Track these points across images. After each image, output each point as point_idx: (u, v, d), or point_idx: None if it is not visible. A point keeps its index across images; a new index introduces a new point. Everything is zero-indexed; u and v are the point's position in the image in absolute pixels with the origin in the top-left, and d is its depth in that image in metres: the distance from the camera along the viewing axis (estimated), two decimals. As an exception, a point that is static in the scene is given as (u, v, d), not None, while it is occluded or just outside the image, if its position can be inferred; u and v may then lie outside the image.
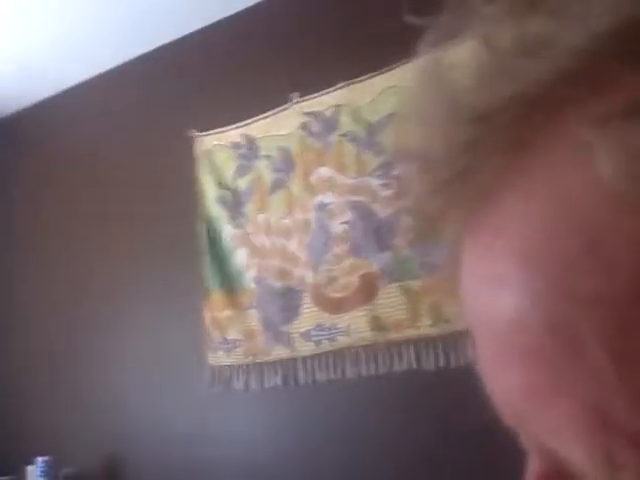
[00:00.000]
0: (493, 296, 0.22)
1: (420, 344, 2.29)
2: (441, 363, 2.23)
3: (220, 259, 2.81)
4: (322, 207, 2.59)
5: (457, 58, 0.22)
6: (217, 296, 2.79)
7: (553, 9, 0.20)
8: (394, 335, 2.36)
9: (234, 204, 2.81)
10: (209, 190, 2.87)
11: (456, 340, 2.21)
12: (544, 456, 0.23)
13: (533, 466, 0.24)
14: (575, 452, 0.20)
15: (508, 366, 0.21)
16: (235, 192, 2.81)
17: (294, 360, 2.57)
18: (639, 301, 0.18)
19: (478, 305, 0.23)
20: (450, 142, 0.21)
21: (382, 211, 2.45)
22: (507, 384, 0.22)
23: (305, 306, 2.58)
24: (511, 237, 0.21)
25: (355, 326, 2.44)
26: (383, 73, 2.48)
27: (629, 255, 0.18)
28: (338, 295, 2.51)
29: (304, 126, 2.66)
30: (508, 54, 0.20)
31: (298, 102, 2.67)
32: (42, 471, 2.96)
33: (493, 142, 0.21)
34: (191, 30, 2.94)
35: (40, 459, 2.97)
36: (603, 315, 0.18)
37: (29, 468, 3.01)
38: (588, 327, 0.18)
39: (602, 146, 0.18)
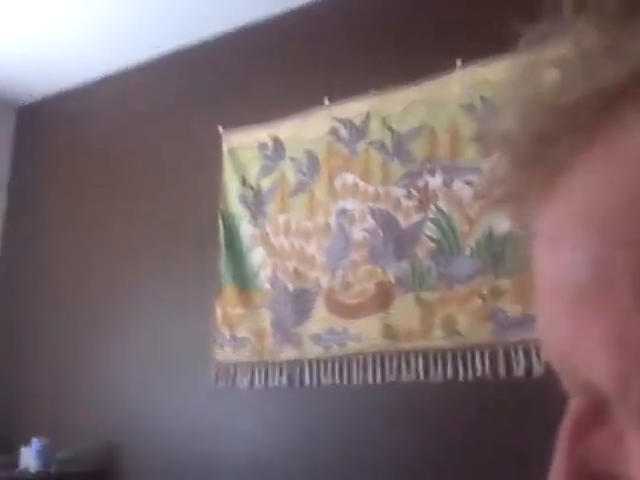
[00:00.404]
0: (553, 254, 0.24)
1: (429, 355, 2.28)
2: (449, 376, 2.21)
3: (237, 256, 2.82)
4: (344, 213, 2.59)
5: (548, 60, 0.26)
6: (230, 293, 2.79)
7: (632, 23, 0.23)
8: (404, 344, 2.34)
9: (255, 203, 2.82)
10: (232, 187, 2.89)
11: (466, 354, 2.20)
12: (583, 395, 0.25)
13: (573, 406, 0.26)
14: (602, 377, 0.22)
15: (559, 315, 0.24)
16: (257, 191, 2.83)
17: (301, 362, 2.56)
18: None
19: (541, 268, 0.25)
20: (532, 127, 0.25)
21: (404, 221, 2.45)
22: (558, 332, 0.24)
23: (318, 309, 2.57)
24: (570, 202, 0.24)
25: (367, 333, 2.43)
26: (415, 85, 2.50)
27: None
28: (352, 301, 2.50)
29: (333, 131, 2.67)
30: (592, 57, 0.24)
31: (329, 106, 2.69)
32: (37, 453, 2.94)
33: (570, 129, 0.24)
34: (226, 29, 2.98)
35: (36, 441, 2.95)
36: (635, 257, 0.21)
37: (23, 449, 2.99)
38: (622, 266, 0.21)
39: None
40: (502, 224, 2.24)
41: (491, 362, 2.15)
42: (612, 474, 0.23)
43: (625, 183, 0.22)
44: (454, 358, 2.23)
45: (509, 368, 2.10)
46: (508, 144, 0.26)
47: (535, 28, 0.26)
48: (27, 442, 2.97)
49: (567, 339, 0.23)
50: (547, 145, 0.24)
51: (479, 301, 2.21)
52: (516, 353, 2.10)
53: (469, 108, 2.38)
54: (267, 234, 2.77)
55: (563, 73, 0.25)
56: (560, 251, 0.24)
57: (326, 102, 2.69)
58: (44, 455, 2.94)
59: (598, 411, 0.24)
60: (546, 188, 0.25)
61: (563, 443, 0.25)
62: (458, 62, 2.41)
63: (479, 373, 2.16)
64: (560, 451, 0.25)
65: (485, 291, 2.21)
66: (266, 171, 2.83)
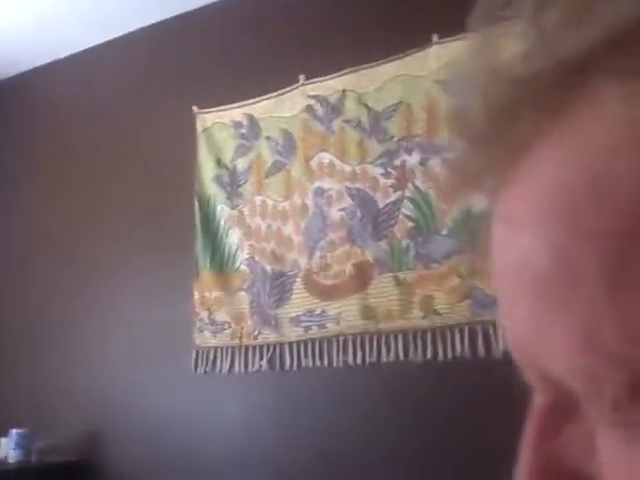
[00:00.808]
0: (511, 238, 0.23)
1: (409, 335, 2.27)
2: (429, 355, 2.20)
3: (213, 239, 2.77)
4: (321, 192, 2.55)
5: (503, 33, 0.24)
6: (207, 276, 2.75)
7: None
8: (384, 325, 2.33)
9: (231, 184, 2.77)
10: (207, 168, 2.84)
11: (445, 333, 2.19)
12: (548, 390, 0.24)
13: (537, 401, 0.25)
14: (568, 374, 0.21)
15: (518, 300, 0.22)
16: (233, 171, 2.78)
17: (281, 344, 2.54)
18: (637, 235, 0.19)
19: (499, 252, 0.24)
20: (491, 103, 0.23)
21: (381, 200, 2.42)
22: (517, 318, 0.23)
23: (296, 291, 2.54)
24: (532, 184, 0.22)
25: (346, 314, 2.41)
26: (391, 61, 2.46)
27: (629, 198, 0.19)
28: (331, 282, 2.48)
29: (308, 109, 2.62)
30: (551, 26, 0.22)
31: (304, 84, 2.63)
32: (16, 443, 2.90)
33: (532, 104, 0.22)
34: (203, 4, 2.90)
35: (14, 431, 2.92)
36: (602, 246, 0.19)
37: (3, 440, 2.96)
38: (587, 256, 0.20)
39: (619, 98, 0.20)
40: (480, 201, 2.21)
41: (470, 341, 2.14)
42: (582, 472, 0.22)
43: (589, 167, 0.20)
44: (433, 338, 2.22)
45: (488, 346, 2.09)
46: (465, 122, 0.24)
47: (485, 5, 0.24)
48: (5, 432, 2.93)
49: (528, 328, 0.22)
50: (508, 122, 0.23)
51: (457, 280, 2.20)
52: (495, 331, 2.09)
53: (446, 84, 2.34)
54: (243, 215, 2.72)
55: (523, 44, 0.22)
56: (521, 234, 0.22)
57: (301, 80, 2.64)
58: (24, 445, 2.91)
59: (565, 407, 0.23)
60: (509, 168, 0.23)
61: (529, 440, 0.24)
62: (434, 37, 2.36)
63: (458, 352, 2.15)
64: (526, 449, 0.24)
65: (463, 269, 2.19)
66: (241, 151, 2.77)
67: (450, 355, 2.16)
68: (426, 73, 2.39)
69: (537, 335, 0.22)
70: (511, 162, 0.23)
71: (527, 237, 0.22)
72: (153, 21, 3.02)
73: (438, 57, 2.36)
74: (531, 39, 0.22)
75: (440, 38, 2.35)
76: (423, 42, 2.37)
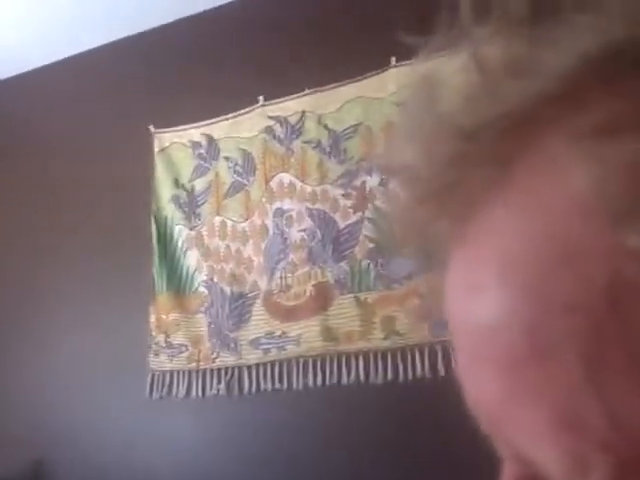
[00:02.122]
0: (472, 304, 0.22)
1: (370, 356, 2.26)
2: (389, 376, 2.19)
3: (170, 260, 2.72)
4: (281, 213, 2.54)
5: (447, 75, 0.23)
6: (164, 298, 2.70)
7: (539, 33, 0.21)
8: (345, 346, 2.31)
9: (189, 204, 2.74)
10: (164, 188, 2.79)
11: (406, 354, 2.19)
12: (519, 463, 0.23)
13: (508, 471, 0.24)
14: (547, 457, 0.20)
15: (485, 373, 0.22)
16: (191, 192, 2.74)
17: (239, 368, 2.49)
18: (612, 310, 0.18)
19: (458, 313, 0.23)
20: (437, 157, 0.22)
21: (342, 221, 2.42)
22: (484, 391, 0.22)
23: (256, 313, 2.51)
24: (491, 247, 0.21)
25: (306, 335, 2.39)
26: (350, 83, 2.48)
27: (602, 266, 0.18)
28: (291, 303, 2.45)
29: (268, 130, 2.62)
30: (495, 75, 0.21)
31: (263, 105, 2.63)
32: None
33: (478, 157, 0.21)
34: (160, 23, 2.89)
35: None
36: (577, 323, 0.18)
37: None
38: (562, 334, 0.19)
39: (577, 161, 0.19)
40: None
41: (430, 361, 2.14)
42: None
43: (556, 232, 0.19)
44: (394, 359, 2.21)
45: (448, 366, 2.09)
46: (411, 176, 0.23)
47: (433, 36, 0.23)
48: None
49: (495, 401, 0.21)
50: (456, 175, 0.22)
51: (417, 301, 2.20)
52: (454, 351, 2.09)
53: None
54: (202, 236, 2.69)
55: (465, 92, 0.22)
56: (479, 300, 0.21)
57: (261, 101, 2.63)
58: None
59: None
60: (457, 223, 0.22)
61: None
62: (392, 60, 2.39)
63: (419, 373, 2.15)
64: None
65: (423, 290, 2.20)
66: (200, 171, 2.74)
67: (411, 376, 2.15)
68: (384, 95, 2.41)
69: (509, 414, 0.21)
70: (460, 217, 0.22)
71: (491, 305, 0.21)
72: (112, 39, 2.99)
73: (396, 79, 2.39)
74: (475, 84, 0.21)
75: (398, 61, 2.38)
76: (381, 65, 2.40)
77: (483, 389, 0.22)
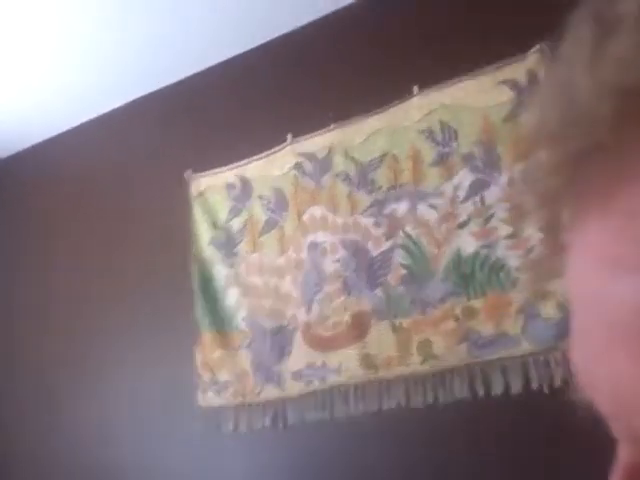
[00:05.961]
0: (610, 279, 0.21)
1: (409, 381, 2.26)
2: (429, 400, 2.19)
3: (212, 300, 2.80)
4: (315, 246, 2.59)
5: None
6: (208, 337, 2.77)
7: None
8: (384, 373, 2.32)
9: (227, 244, 2.82)
10: (203, 231, 2.89)
11: (444, 376, 2.18)
12: (635, 445, 0.22)
13: (622, 455, 0.23)
14: None
15: (618, 351, 0.20)
16: (228, 232, 2.83)
17: (283, 400, 2.53)
18: None
19: (589, 289, 0.22)
20: (592, 115, 0.20)
21: (374, 249, 2.46)
22: (614, 369, 0.21)
23: (296, 345, 2.55)
24: (634, 223, 0.20)
25: (346, 365, 2.41)
26: (375, 114, 2.53)
27: None
28: (329, 333, 2.49)
29: (297, 166, 2.69)
30: None
31: (292, 143, 2.71)
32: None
33: (636, 117, 0.19)
34: (188, 73, 3.02)
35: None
36: None
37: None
38: None
39: None
40: (469, 245, 2.25)
41: (469, 383, 2.13)
42: None
43: None
44: (433, 382, 2.21)
45: (487, 387, 2.08)
46: (561, 135, 0.22)
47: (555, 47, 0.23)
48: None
49: (627, 380, 0.20)
50: (602, 134, 0.20)
51: (453, 323, 2.21)
52: (493, 372, 2.08)
53: (428, 133, 2.42)
54: (240, 274, 2.76)
55: (616, 53, 0.20)
56: (619, 275, 0.20)
57: (289, 139, 2.72)
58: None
59: None
60: (598, 195, 0.21)
61: None
62: (415, 89, 2.44)
63: (458, 395, 2.14)
64: None
65: (458, 312, 2.21)
66: (235, 212, 2.83)
67: (450, 398, 2.14)
68: (409, 123, 2.46)
69: (638, 393, 0.20)
70: (599, 190, 0.21)
71: (628, 284, 0.20)
72: (142, 93, 3.13)
73: (420, 107, 2.44)
74: (626, 44, 0.20)
75: (420, 89, 2.43)
76: (404, 94, 2.45)
77: (615, 368, 0.20)
